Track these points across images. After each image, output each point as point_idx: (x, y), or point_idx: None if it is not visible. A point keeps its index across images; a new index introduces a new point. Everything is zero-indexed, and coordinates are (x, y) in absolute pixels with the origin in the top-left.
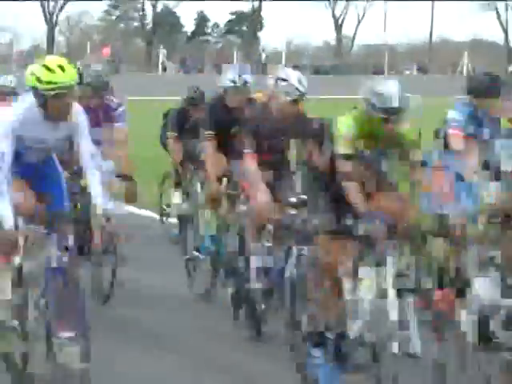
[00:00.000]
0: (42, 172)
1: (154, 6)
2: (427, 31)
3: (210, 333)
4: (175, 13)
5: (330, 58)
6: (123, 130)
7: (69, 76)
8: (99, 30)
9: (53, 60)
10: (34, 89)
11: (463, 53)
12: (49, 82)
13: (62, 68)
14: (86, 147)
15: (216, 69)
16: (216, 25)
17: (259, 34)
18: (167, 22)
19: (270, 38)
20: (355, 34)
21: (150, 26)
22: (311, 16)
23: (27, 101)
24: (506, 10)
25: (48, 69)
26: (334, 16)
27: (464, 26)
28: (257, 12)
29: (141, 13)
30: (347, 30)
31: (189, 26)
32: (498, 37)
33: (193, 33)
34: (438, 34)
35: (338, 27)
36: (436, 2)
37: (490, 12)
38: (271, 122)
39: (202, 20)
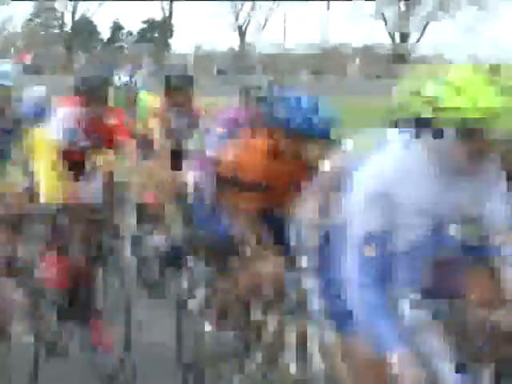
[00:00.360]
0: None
1: (73, 16)
2: (323, 37)
3: None
4: (92, 21)
5: (235, 62)
6: None
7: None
8: (23, 36)
9: (466, 76)
10: (423, 121)
11: (355, 58)
12: (464, 110)
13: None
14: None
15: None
16: (129, 32)
17: (170, 40)
18: (85, 29)
19: (180, 45)
20: (257, 40)
21: (69, 32)
22: (217, 24)
23: (402, 142)
24: (393, 19)
25: (459, 89)
26: (237, 27)
27: (356, 33)
28: (167, 20)
29: (60, 21)
30: (250, 37)
31: (105, 34)
32: (386, 43)
33: (108, 40)
34: (334, 41)
35: (242, 34)
36: (330, 11)
37: (379, 20)
38: None
39: (116, 28)
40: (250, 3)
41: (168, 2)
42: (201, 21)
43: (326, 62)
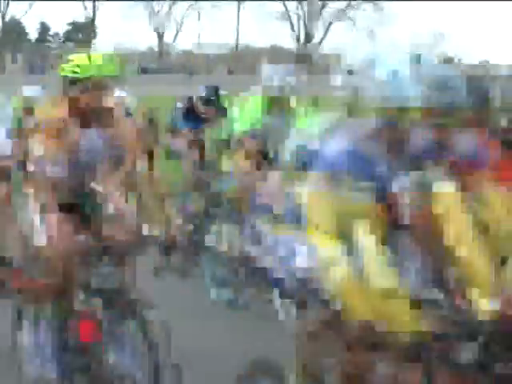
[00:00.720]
0: None
1: (3, 18)
2: (234, 38)
3: None
4: (21, 22)
5: (154, 61)
6: None
7: None
8: None
9: None
10: None
11: (264, 58)
12: None
13: None
14: None
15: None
16: (56, 33)
17: (93, 41)
18: (14, 30)
19: (103, 45)
20: (174, 40)
21: None
22: (137, 25)
23: None
24: (298, 21)
25: None
26: (155, 28)
27: (265, 35)
28: (90, 22)
29: None
30: (168, 38)
31: (33, 35)
32: (293, 44)
33: (36, 40)
34: (244, 41)
35: (161, 35)
36: (241, 14)
37: (285, 22)
38: None
39: (44, 29)
40: (167, 5)
41: (91, 5)
42: (122, 22)
43: (238, 62)
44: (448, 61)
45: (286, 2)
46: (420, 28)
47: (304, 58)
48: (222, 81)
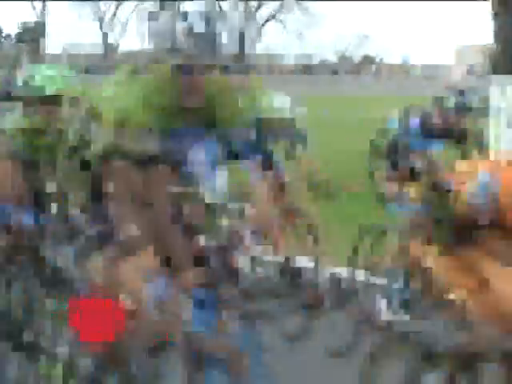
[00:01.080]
0: None
1: None
2: None
3: None
4: None
5: (100, 61)
6: None
7: None
8: None
9: None
10: None
11: None
12: None
13: None
14: None
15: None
16: (8, 34)
17: (43, 42)
18: None
19: (53, 46)
20: (119, 41)
21: None
22: (84, 26)
23: None
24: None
25: None
26: (101, 28)
27: None
28: (40, 23)
29: None
30: (114, 39)
31: None
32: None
33: None
34: None
35: (105, 37)
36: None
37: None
38: None
39: None
40: (113, 5)
41: (41, 7)
42: (70, 22)
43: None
44: (370, 60)
45: (221, 3)
46: (345, 30)
47: (240, 59)
48: None
